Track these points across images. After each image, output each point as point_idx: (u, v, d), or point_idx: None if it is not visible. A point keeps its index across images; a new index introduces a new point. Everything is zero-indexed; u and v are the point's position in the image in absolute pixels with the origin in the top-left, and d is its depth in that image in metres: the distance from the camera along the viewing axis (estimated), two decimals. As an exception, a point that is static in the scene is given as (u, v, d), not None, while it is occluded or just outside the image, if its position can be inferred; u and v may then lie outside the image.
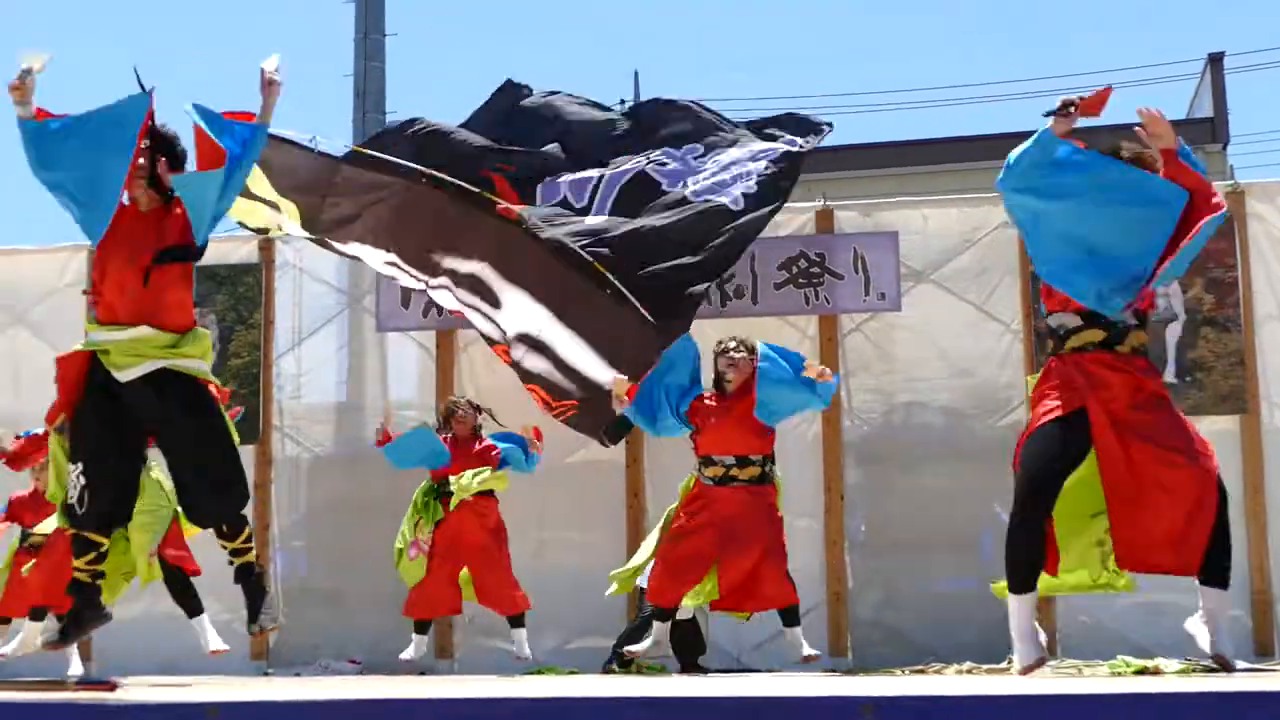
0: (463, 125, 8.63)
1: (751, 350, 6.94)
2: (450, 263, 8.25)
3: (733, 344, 6.95)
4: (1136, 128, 4.90)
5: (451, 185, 8.16)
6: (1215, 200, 4.69)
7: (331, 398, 9.90)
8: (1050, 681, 4.49)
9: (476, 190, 8.17)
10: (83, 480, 5.19)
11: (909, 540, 8.81)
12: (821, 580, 8.62)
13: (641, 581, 7.48)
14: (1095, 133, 5.20)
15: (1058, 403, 4.83)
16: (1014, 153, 4.92)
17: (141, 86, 5.31)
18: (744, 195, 8.05)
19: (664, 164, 8.34)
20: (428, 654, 8.65)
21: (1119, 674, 5.89)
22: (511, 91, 8.81)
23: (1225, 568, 4.82)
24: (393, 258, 8.38)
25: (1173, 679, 5.04)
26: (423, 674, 8.20)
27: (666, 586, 6.75)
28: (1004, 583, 5.02)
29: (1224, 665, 4.92)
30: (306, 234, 8.49)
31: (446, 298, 8.45)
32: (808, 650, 6.73)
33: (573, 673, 7.70)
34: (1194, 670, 5.63)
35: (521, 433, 8.15)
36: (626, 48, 58.95)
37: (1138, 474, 4.74)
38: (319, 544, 9.66)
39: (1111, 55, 45.89)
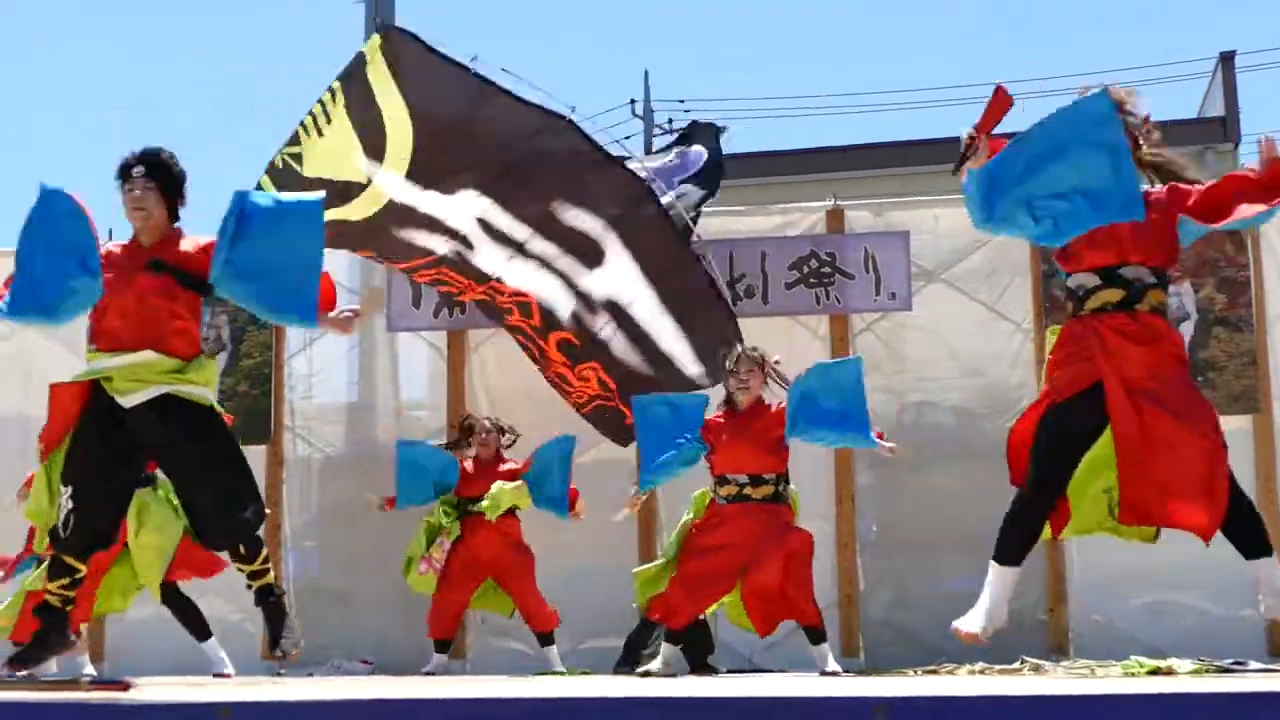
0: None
1: (760, 364, 6.86)
2: (566, 214, 8.15)
3: (744, 367, 6.82)
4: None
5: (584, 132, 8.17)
6: None
7: (343, 398, 9.92)
8: (1062, 682, 4.49)
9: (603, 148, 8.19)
10: (71, 504, 5.08)
11: (920, 540, 8.81)
12: (833, 582, 8.61)
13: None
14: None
15: (1075, 375, 4.82)
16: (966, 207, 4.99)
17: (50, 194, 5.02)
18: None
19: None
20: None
21: (1132, 674, 5.88)
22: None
23: (1261, 534, 4.77)
24: (490, 209, 8.24)
25: (1185, 679, 5.03)
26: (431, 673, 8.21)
27: (680, 608, 6.67)
28: None
29: None
30: (405, 181, 8.25)
31: (522, 270, 8.33)
32: (832, 665, 6.69)
33: (584, 673, 7.70)
34: (1207, 671, 5.61)
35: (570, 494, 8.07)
36: (628, 47, 58.95)
37: (1149, 437, 4.72)
38: (330, 544, 9.68)
39: (1119, 55, 45.80)
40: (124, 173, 5.29)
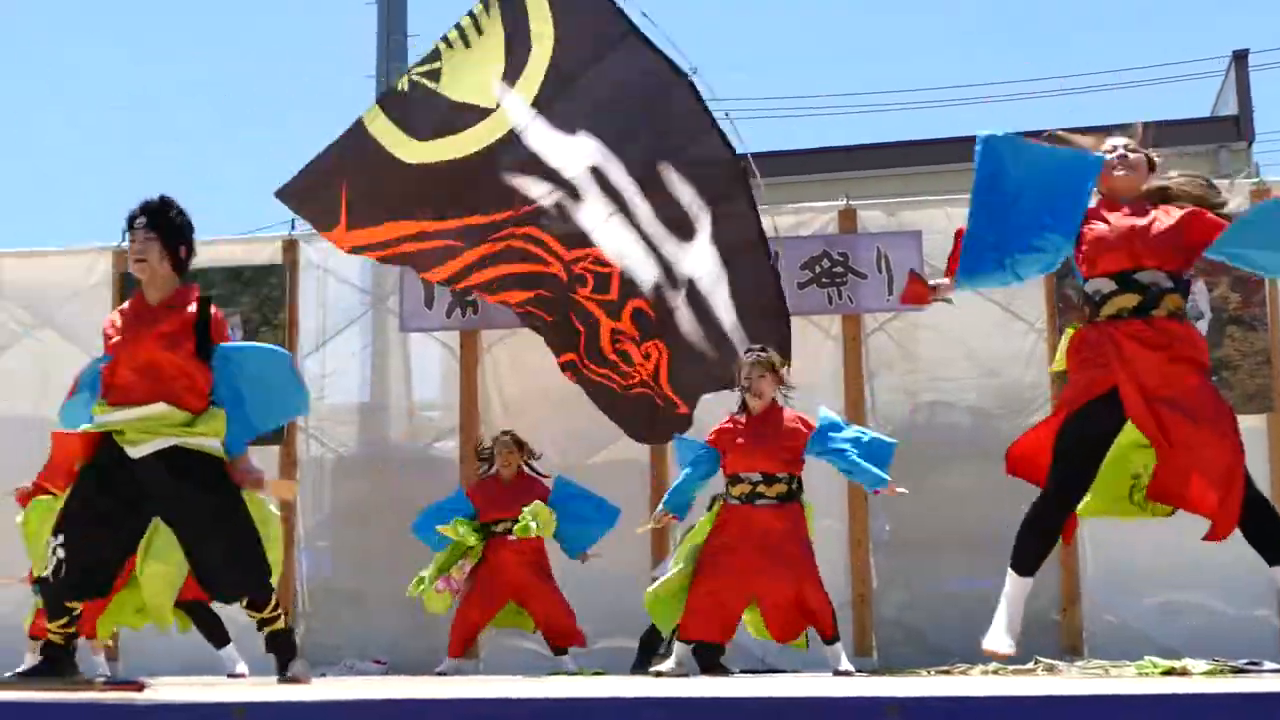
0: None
1: (772, 369, 6.85)
2: (669, 177, 8.15)
3: (756, 373, 6.82)
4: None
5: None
6: None
7: (355, 398, 9.93)
8: (1076, 682, 4.47)
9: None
10: (61, 553, 5.09)
11: (934, 540, 8.79)
12: (846, 581, 8.60)
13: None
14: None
15: (1096, 375, 4.81)
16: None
17: None
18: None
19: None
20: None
21: (1146, 674, 5.86)
22: None
23: None
24: (604, 158, 8.21)
25: (1199, 680, 5.01)
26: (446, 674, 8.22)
27: (695, 625, 6.66)
28: None
29: None
30: (529, 109, 8.27)
31: (617, 232, 8.27)
32: (845, 664, 6.68)
33: (597, 673, 7.70)
34: (1221, 671, 5.60)
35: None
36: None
37: (1170, 439, 4.73)
38: (343, 544, 9.69)
39: (1129, 54, 45.65)
40: (129, 225, 5.37)
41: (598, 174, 8.24)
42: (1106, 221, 4.94)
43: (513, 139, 8.33)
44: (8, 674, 7.26)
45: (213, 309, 5.36)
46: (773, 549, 6.57)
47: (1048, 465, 4.95)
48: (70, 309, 9.79)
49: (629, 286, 8.26)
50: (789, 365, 7.31)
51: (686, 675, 6.54)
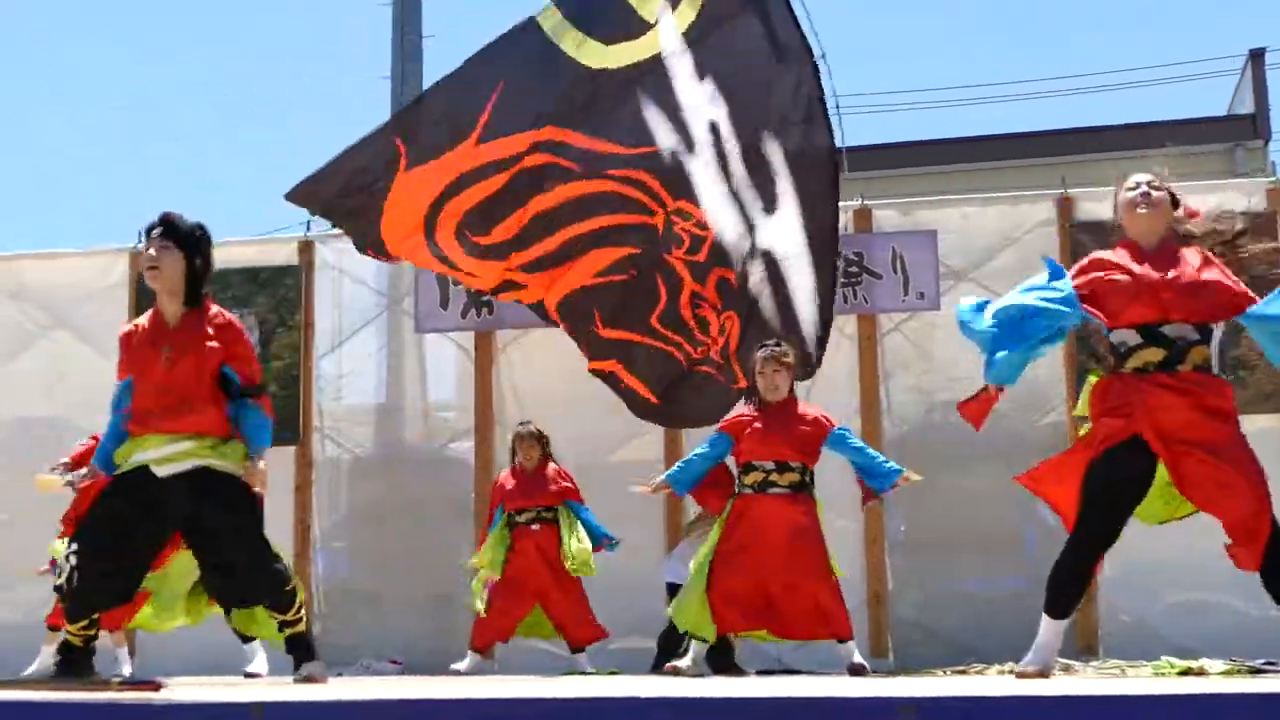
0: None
1: (788, 364, 6.86)
2: (768, 146, 8.08)
3: (770, 368, 6.83)
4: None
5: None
6: None
7: (371, 399, 9.95)
8: (1092, 682, 4.46)
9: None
10: (73, 560, 5.12)
11: (949, 540, 8.78)
12: (861, 581, 8.59)
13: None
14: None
15: (1119, 424, 4.78)
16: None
17: None
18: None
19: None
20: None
21: (1162, 674, 5.85)
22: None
23: None
24: (723, 115, 8.14)
25: (1216, 680, 5.00)
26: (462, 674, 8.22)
27: (733, 621, 6.66)
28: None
29: None
30: (679, 39, 8.19)
31: (716, 195, 8.15)
32: (858, 658, 6.67)
33: (613, 673, 7.71)
34: (1239, 671, 5.58)
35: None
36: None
37: (1198, 481, 4.71)
38: (359, 545, 9.71)
39: (1147, 53, 45.50)
40: (145, 234, 5.40)
41: (714, 130, 8.17)
42: (1130, 271, 4.87)
43: (657, 65, 8.23)
44: (23, 674, 7.32)
45: (237, 327, 5.39)
46: (786, 546, 6.56)
47: (1067, 493, 4.93)
48: (86, 310, 9.83)
49: (718, 253, 8.10)
50: (812, 371, 7.31)
51: (703, 675, 6.53)
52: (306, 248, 9.75)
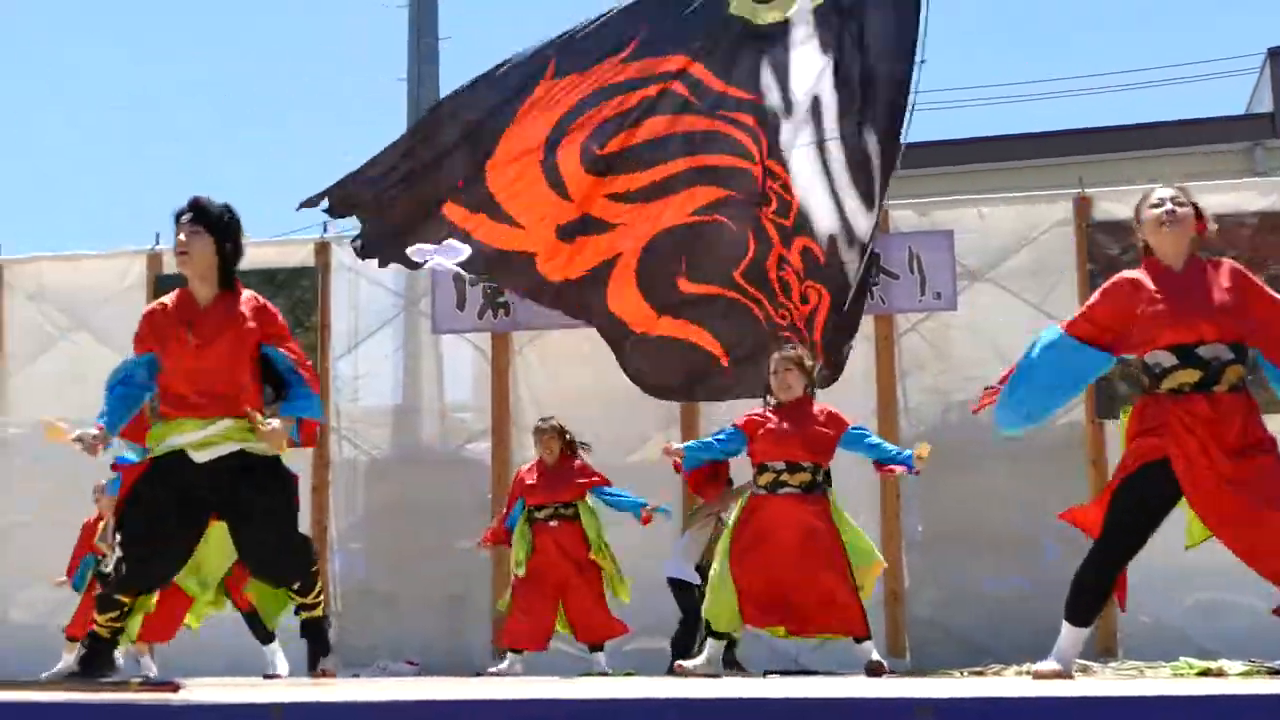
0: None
1: (799, 364, 6.86)
2: (868, 140, 8.15)
3: (783, 367, 6.84)
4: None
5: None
6: None
7: (388, 400, 9.97)
8: (1111, 683, 4.46)
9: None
10: (123, 550, 5.14)
11: (966, 540, 8.76)
12: (879, 580, 8.57)
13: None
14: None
15: (1153, 443, 4.76)
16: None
17: None
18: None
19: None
20: (486, 654, 8.68)
21: (1181, 676, 5.83)
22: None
23: None
24: (828, 91, 8.21)
25: (1235, 681, 4.98)
26: (479, 674, 8.23)
27: (756, 617, 6.66)
28: None
29: None
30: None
31: (809, 166, 8.21)
32: (875, 656, 6.66)
33: (629, 674, 7.71)
34: (1258, 672, 5.56)
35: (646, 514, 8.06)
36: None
37: (1230, 521, 4.69)
38: (376, 546, 9.73)
39: (1165, 51, 45.34)
40: (175, 220, 5.36)
41: (816, 104, 8.16)
42: (1159, 294, 4.81)
43: (783, 29, 8.31)
44: (43, 676, 7.35)
45: (272, 309, 5.41)
46: (798, 544, 6.55)
47: (1098, 516, 4.92)
48: (105, 312, 9.86)
49: (803, 221, 8.09)
50: (833, 373, 7.29)
51: (717, 675, 6.53)
52: (323, 249, 9.77)
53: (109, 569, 5.24)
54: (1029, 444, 8.56)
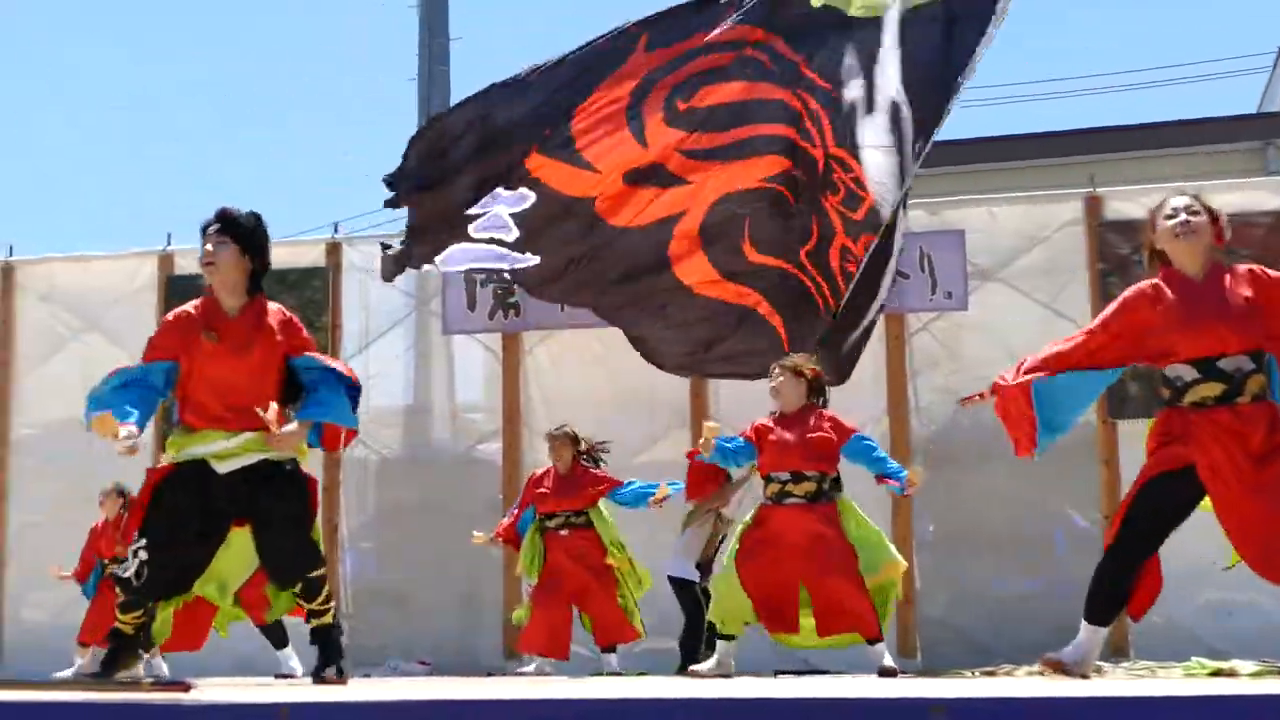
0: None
1: (794, 372, 6.85)
2: (926, 148, 8.10)
3: (777, 376, 6.84)
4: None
5: None
6: None
7: (399, 400, 9.97)
8: (1122, 683, 4.44)
9: None
10: (144, 555, 5.14)
11: (978, 540, 8.75)
12: (891, 580, 8.57)
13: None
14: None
15: (1173, 454, 4.74)
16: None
17: None
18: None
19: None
20: (496, 654, 8.68)
21: (1193, 676, 5.82)
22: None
23: None
24: (904, 100, 8.08)
25: (1246, 681, 4.97)
26: (490, 674, 8.24)
27: (734, 615, 6.66)
28: None
29: None
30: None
31: (882, 165, 8.07)
32: (888, 661, 6.65)
33: (641, 674, 7.70)
34: (1269, 673, 5.54)
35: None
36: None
37: (1250, 528, 4.67)
38: (387, 545, 9.73)
39: (1177, 50, 45.28)
40: (202, 230, 5.36)
41: (895, 108, 8.07)
42: (1178, 306, 4.77)
43: (874, 24, 8.23)
44: (55, 676, 7.36)
45: (297, 321, 5.41)
46: (804, 550, 6.55)
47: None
48: (116, 313, 9.89)
49: (874, 219, 8.04)
50: (838, 378, 7.26)
51: (729, 676, 6.53)
52: (334, 249, 9.78)
53: (126, 573, 5.23)
54: (1040, 444, 8.55)
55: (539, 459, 8.51)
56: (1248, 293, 4.73)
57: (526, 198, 8.44)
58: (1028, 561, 8.67)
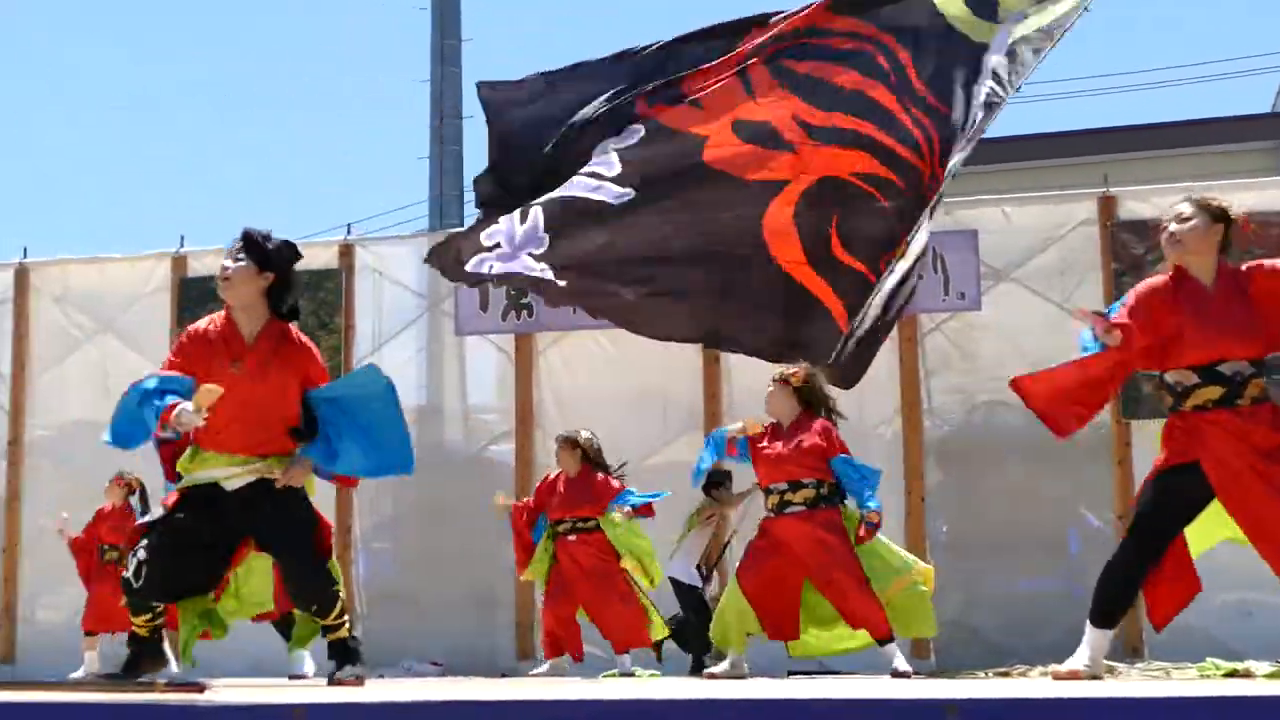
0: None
1: (783, 382, 6.85)
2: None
3: (771, 387, 6.85)
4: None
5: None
6: None
7: (411, 401, 9.95)
8: (1136, 684, 4.43)
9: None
10: (143, 555, 5.13)
11: (991, 541, 8.73)
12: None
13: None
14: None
15: (1179, 450, 4.76)
16: None
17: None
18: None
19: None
20: (510, 655, 8.68)
21: (1207, 677, 5.80)
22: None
23: None
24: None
25: (1261, 682, 4.95)
26: (504, 675, 8.24)
27: (735, 628, 6.67)
28: None
29: None
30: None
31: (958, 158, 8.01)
32: (902, 664, 6.64)
33: (653, 675, 7.71)
34: (1285, 673, 5.52)
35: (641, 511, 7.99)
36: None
37: (1271, 525, 4.67)
38: (401, 547, 9.75)
39: (1190, 50, 45.21)
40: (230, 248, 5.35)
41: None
42: (1184, 312, 4.79)
43: (980, 52, 8.24)
44: (70, 676, 7.38)
45: (315, 349, 5.38)
46: (807, 555, 6.56)
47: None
48: (130, 315, 9.91)
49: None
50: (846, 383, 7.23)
51: (743, 676, 6.53)
52: (347, 251, 9.80)
53: (126, 573, 5.23)
54: (1054, 444, 8.50)
55: (551, 460, 8.50)
56: (1258, 294, 4.76)
57: (636, 132, 8.35)
58: (1042, 561, 8.66)
